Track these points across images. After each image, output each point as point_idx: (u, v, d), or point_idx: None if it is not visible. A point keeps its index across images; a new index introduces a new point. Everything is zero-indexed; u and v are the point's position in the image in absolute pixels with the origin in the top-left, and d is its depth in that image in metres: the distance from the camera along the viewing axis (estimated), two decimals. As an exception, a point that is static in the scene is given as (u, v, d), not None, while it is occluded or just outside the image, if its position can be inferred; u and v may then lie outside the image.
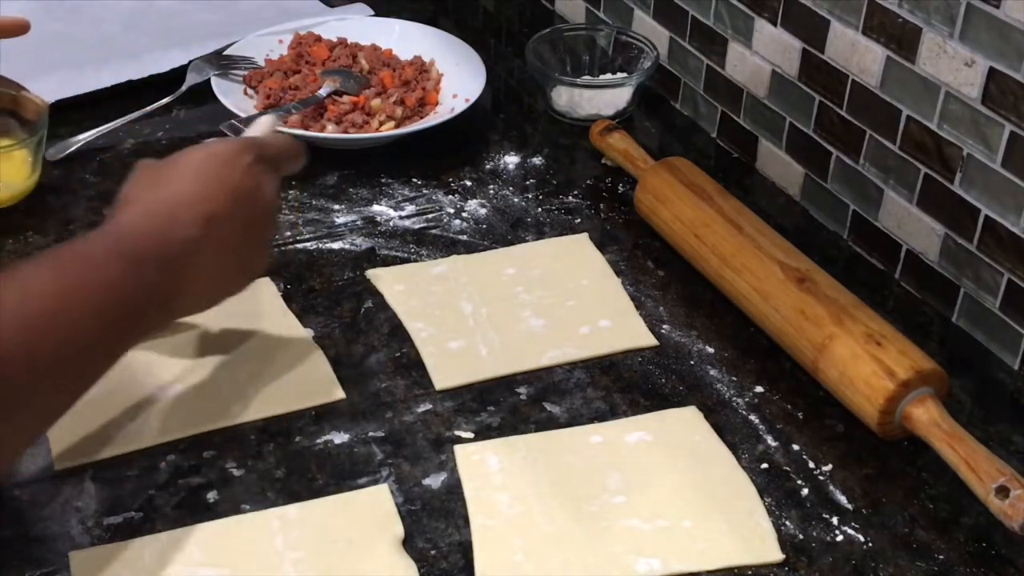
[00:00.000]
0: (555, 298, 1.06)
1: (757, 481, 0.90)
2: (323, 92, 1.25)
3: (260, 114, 1.14)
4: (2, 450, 0.76)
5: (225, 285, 0.90)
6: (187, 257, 0.83)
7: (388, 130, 1.22)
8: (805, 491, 0.90)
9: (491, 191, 1.19)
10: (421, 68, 1.30)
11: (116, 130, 1.23)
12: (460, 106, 1.25)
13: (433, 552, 0.84)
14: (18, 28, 1.11)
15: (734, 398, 0.97)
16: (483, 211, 1.17)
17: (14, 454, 0.79)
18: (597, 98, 1.28)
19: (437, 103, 1.28)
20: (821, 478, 0.91)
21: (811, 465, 0.92)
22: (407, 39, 1.35)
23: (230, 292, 0.91)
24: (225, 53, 1.32)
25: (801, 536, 0.86)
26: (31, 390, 0.74)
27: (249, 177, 0.88)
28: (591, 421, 0.95)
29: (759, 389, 0.98)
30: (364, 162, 1.22)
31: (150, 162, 0.89)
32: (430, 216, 1.16)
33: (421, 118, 1.25)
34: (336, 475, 0.89)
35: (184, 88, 1.28)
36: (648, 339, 1.02)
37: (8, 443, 0.76)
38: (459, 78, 1.29)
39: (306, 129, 1.22)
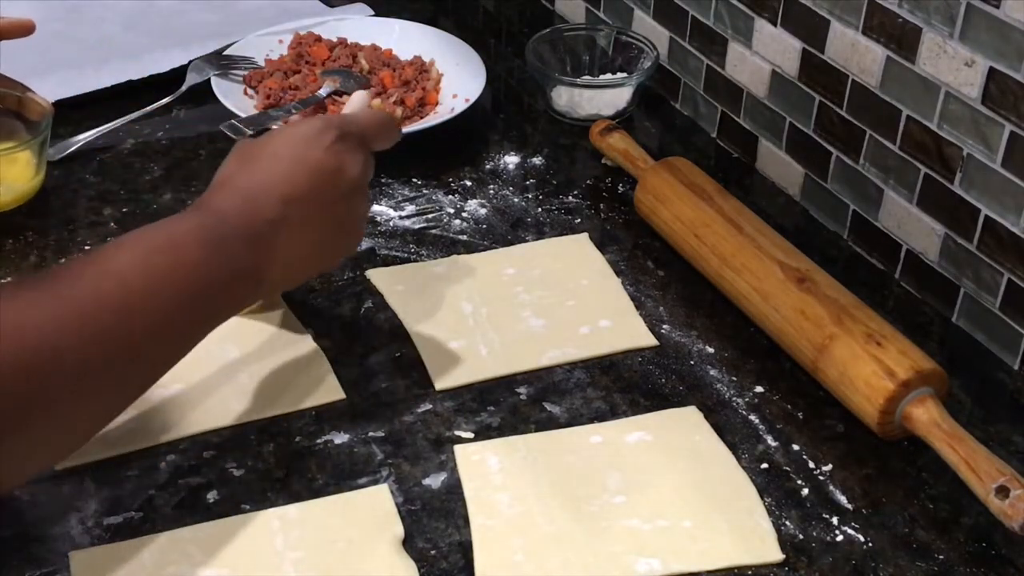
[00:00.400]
0: (555, 298, 1.06)
1: (757, 481, 0.90)
2: (323, 92, 1.25)
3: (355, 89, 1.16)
4: (86, 425, 0.78)
5: (315, 261, 0.91)
6: (271, 237, 0.85)
7: None
8: (805, 491, 0.90)
9: (491, 191, 1.19)
10: (421, 68, 1.30)
11: (116, 130, 1.23)
12: (460, 106, 1.25)
13: (433, 552, 0.84)
14: (23, 29, 1.12)
15: (734, 398, 0.97)
16: (483, 211, 1.17)
17: (97, 428, 0.80)
18: (597, 98, 1.28)
19: (437, 103, 1.28)
20: (821, 478, 0.91)
21: (811, 465, 0.92)
22: (407, 39, 1.35)
23: (322, 267, 0.95)
24: (225, 53, 1.32)
25: (801, 536, 0.86)
26: (115, 372, 0.76)
27: (331, 155, 0.88)
28: (591, 421, 0.95)
29: (759, 389, 0.98)
30: (364, 162, 1.21)
31: (244, 143, 0.90)
32: (430, 216, 1.16)
33: (421, 118, 1.25)
34: (336, 475, 0.89)
35: (184, 88, 1.28)
36: (648, 339, 1.02)
37: (92, 418, 0.78)
38: (459, 78, 1.29)
39: (306, 129, 1.22)
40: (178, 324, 0.80)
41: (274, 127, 1.19)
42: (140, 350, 0.78)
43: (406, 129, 1.23)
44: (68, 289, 0.75)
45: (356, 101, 1.01)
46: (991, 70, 0.95)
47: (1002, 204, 0.98)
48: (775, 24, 1.16)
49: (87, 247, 1.09)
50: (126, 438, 0.91)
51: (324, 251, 0.91)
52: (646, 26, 1.34)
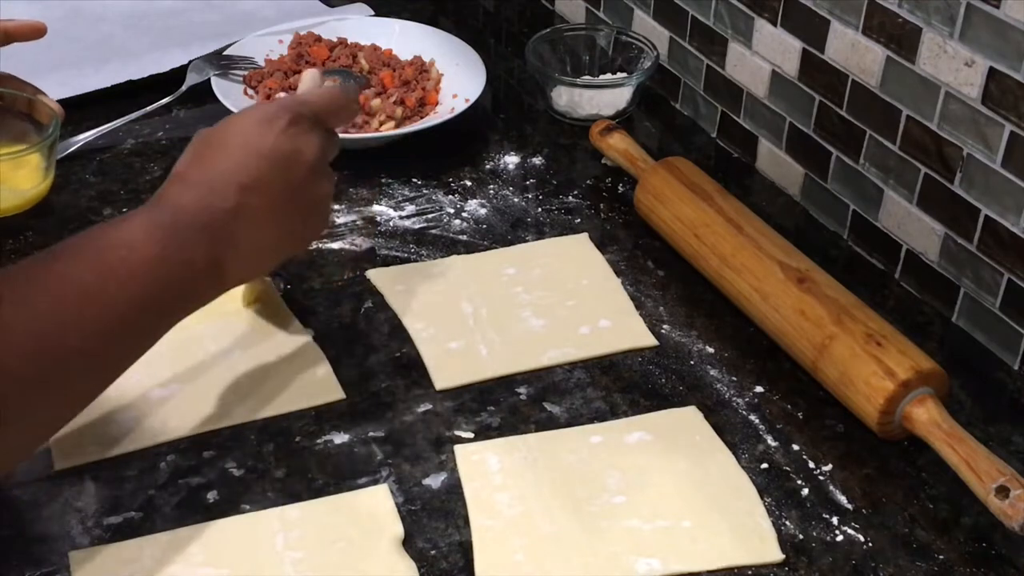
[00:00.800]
0: (555, 298, 1.06)
1: (757, 481, 0.90)
2: (323, 92, 1.25)
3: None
4: (38, 430, 0.78)
5: (278, 248, 0.90)
6: (229, 227, 0.84)
7: (388, 130, 1.22)
8: (805, 491, 0.90)
9: (491, 191, 1.19)
10: (421, 68, 1.30)
11: (116, 130, 1.23)
12: (460, 106, 1.25)
13: (433, 552, 0.84)
14: (35, 31, 1.12)
15: (734, 398, 0.97)
16: (483, 211, 1.17)
17: (51, 432, 0.81)
18: (597, 98, 1.28)
19: (437, 103, 1.28)
20: (821, 478, 0.91)
21: (811, 465, 0.92)
22: (407, 39, 1.35)
23: (288, 253, 0.92)
24: (225, 53, 1.32)
25: (801, 536, 0.86)
26: (70, 373, 0.76)
27: (285, 139, 0.87)
28: (591, 421, 0.95)
29: (759, 389, 0.98)
30: (364, 162, 1.21)
31: (201, 133, 0.89)
32: (430, 216, 1.16)
33: (421, 118, 1.25)
34: (336, 475, 0.89)
35: (184, 88, 1.28)
36: (648, 339, 1.02)
37: (45, 423, 0.78)
38: (459, 78, 1.29)
39: (306, 129, 1.22)
40: (135, 323, 0.79)
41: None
42: (96, 351, 0.77)
43: (406, 129, 1.23)
44: (22, 293, 0.74)
45: (307, 80, 0.98)
46: (991, 70, 0.95)
47: (1002, 204, 0.98)
48: (775, 24, 1.16)
49: (87, 247, 1.09)
50: (126, 438, 0.91)
51: (287, 237, 0.90)
52: (646, 26, 1.34)
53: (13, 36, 1.12)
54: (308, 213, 0.91)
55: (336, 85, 0.95)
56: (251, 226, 0.85)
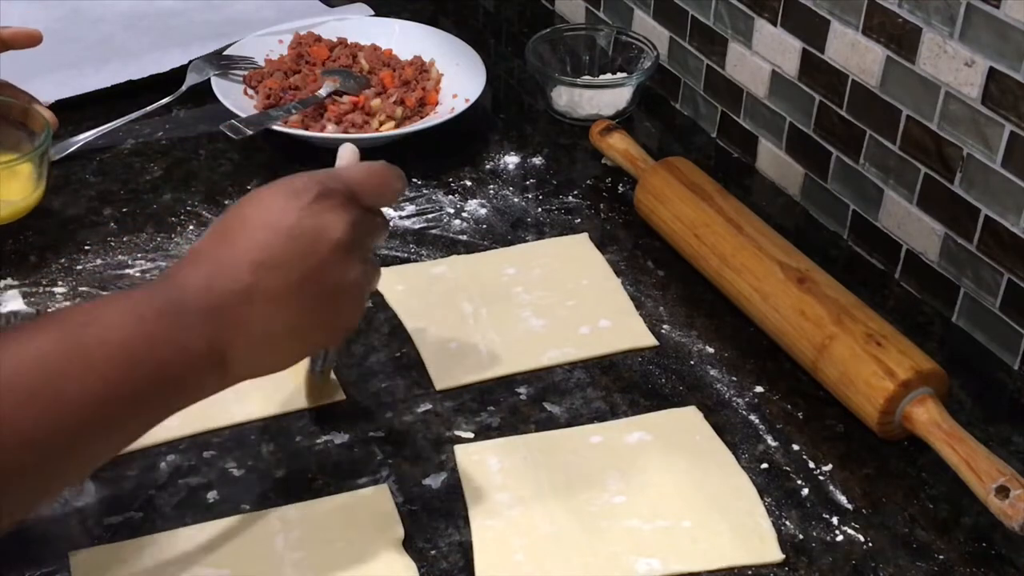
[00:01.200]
0: (555, 298, 1.06)
1: (757, 481, 0.90)
2: (323, 92, 1.25)
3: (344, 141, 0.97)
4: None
5: (299, 338, 0.80)
6: (236, 308, 0.75)
7: (388, 130, 1.22)
8: (805, 491, 0.90)
9: (491, 191, 1.19)
10: (421, 68, 1.30)
11: (116, 130, 1.23)
12: (460, 106, 1.25)
13: (433, 552, 0.84)
14: (31, 39, 1.12)
15: (734, 398, 0.97)
16: (483, 211, 1.17)
17: (10, 524, 0.71)
18: (597, 98, 1.28)
19: (437, 103, 1.28)
20: (821, 478, 0.91)
21: (811, 465, 0.92)
22: (407, 39, 1.35)
23: (311, 345, 0.83)
24: (225, 53, 1.32)
25: (801, 536, 0.86)
26: (29, 463, 0.68)
27: (309, 216, 0.77)
28: (591, 421, 0.95)
29: (759, 389, 0.98)
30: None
31: (227, 210, 0.81)
32: (430, 216, 1.16)
33: (421, 118, 1.25)
34: (336, 475, 0.89)
35: (184, 88, 1.28)
36: (648, 339, 1.02)
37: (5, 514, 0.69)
38: (459, 78, 1.29)
39: (306, 129, 1.22)
40: (107, 413, 0.71)
41: (275, 125, 1.19)
42: (55, 443, 0.68)
43: (406, 129, 1.23)
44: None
45: (344, 155, 0.88)
46: (991, 70, 0.95)
47: (1002, 204, 0.98)
48: (775, 24, 1.16)
49: (87, 247, 1.09)
50: (126, 438, 0.91)
51: (310, 326, 0.80)
52: (646, 26, 1.34)
53: (8, 44, 1.12)
54: (334, 299, 0.80)
55: (379, 163, 0.85)
56: (264, 310, 0.76)
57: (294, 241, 0.77)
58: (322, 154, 1.22)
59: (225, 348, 0.76)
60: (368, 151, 1.23)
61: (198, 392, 0.77)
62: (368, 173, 0.83)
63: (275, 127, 1.19)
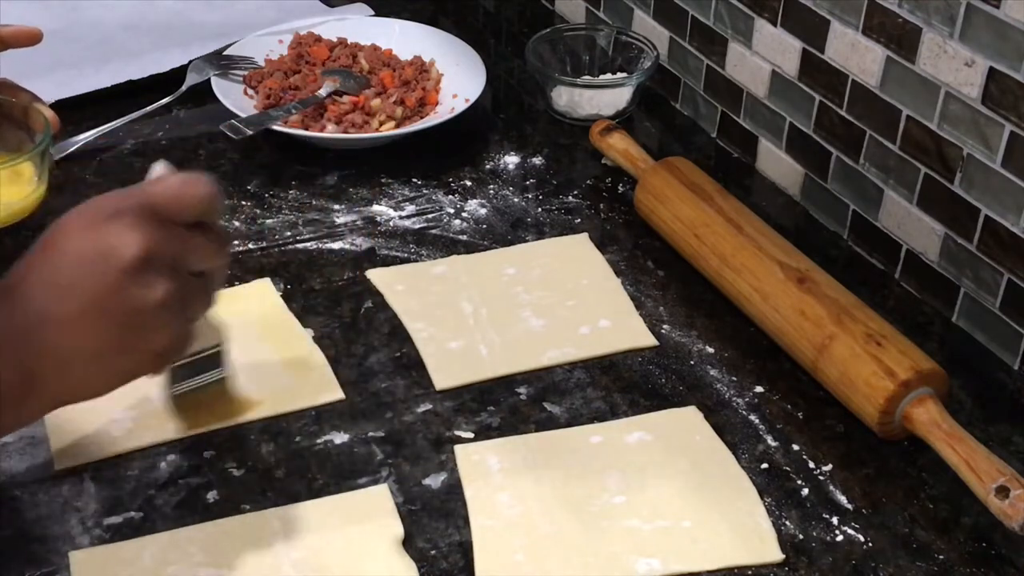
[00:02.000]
0: (555, 298, 1.06)
1: (757, 481, 0.90)
2: (323, 92, 1.25)
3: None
4: None
5: (110, 364, 0.78)
6: (39, 333, 0.75)
7: (388, 130, 1.22)
8: (805, 491, 0.90)
9: (491, 191, 1.19)
10: (421, 68, 1.30)
11: (116, 130, 1.23)
12: (460, 106, 1.25)
13: (433, 552, 0.84)
14: (30, 38, 1.12)
15: (734, 398, 0.97)
16: (483, 211, 1.17)
17: None
18: (597, 98, 1.28)
19: (437, 103, 1.28)
20: (821, 478, 0.91)
21: (811, 465, 0.92)
22: (407, 39, 1.35)
23: (128, 371, 0.79)
24: (225, 53, 1.32)
25: (801, 536, 0.86)
26: None
27: (98, 238, 0.75)
28: (591, 421, 0.95)
29: (759, 389, 0.98)
30: (364, 162, 1.22)
31: (37, 241, 0.78)
32: (430, 216, 1.16)
33: (421, 118, 1.25)
34: (336, 475, 0.89)
35: (184, 88, 1.28)
36: (648, 339, 1.02)
37: None
38: (459, 78, 1.29)
39: (306, 129, 1.22)
40: None
41: (275, 126, 1.19)
42: None
43: (406, 129, 1.23)
44: None
45: (155, 171, 0.82)
46: (991, 70, 0.95)
47: (1002, 204, 0.98)
48: (775, 24, 1.16)
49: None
50: (126, 438, 0.91)
51: (111, 351, 0.77)
52: (646, 26, 1.34)
53: (8, 43, 1.12)
54: (135, 321, 0.76)
55: (180, 174, 0.80)
56: (63, 335, 0.75)
57: (82, 264, 0.75)
58: (322, 154, 1.22)
59: (34, 374, 0.75)
60: (368, 151, 1.23)
61: (17, 419, 0.77)
62: (164, 185, 0.78)
63: (275, 127, 1.19)
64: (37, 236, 0.99)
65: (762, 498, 0.88)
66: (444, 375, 0.98)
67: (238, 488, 0.88)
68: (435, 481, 0.89)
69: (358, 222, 1.14)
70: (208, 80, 1.27)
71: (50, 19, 1.37)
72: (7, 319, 0.74)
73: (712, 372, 1.00)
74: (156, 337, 0.78)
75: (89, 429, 0.91)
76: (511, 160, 1.24)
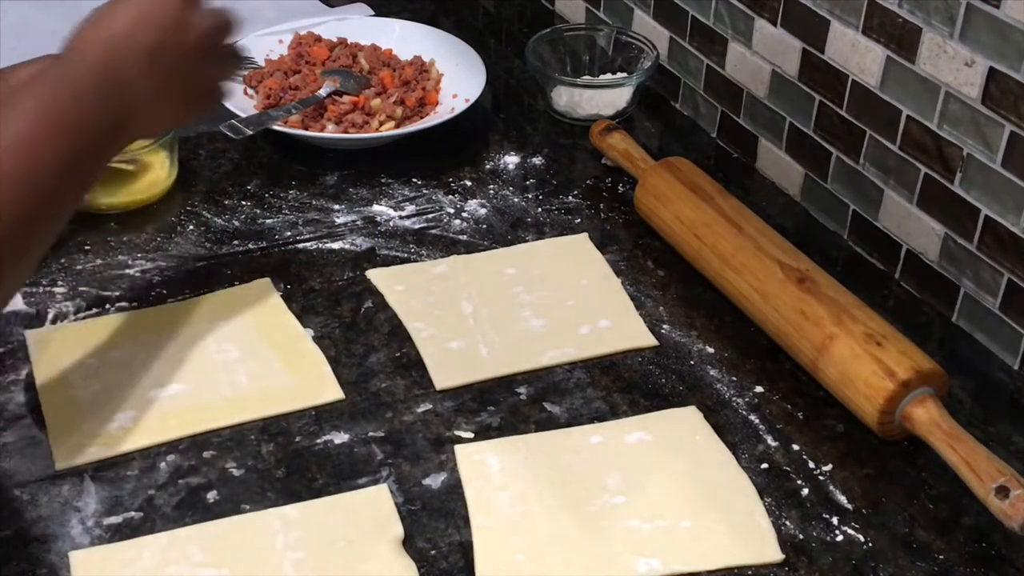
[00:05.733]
0: (555, 298, 1.06)
1: (757, 481, 0.90)
2: (323, 92, 1.25)
3: None
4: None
5: (174, 109, 0.95)
6: (134, 82, 0.88)
7: (388, 130, 1.22)
8: (805, 491, 0.90)
9: (491, 191, 1.19)
10: (421, 68, 1.30)
11: (116, 130, 1.23)
12: (460, 106, 1.25)
13: (433, 552, 0.84)
14: None
15: (734, 398, 0.97)
16: (483, 211, 1.17)
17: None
18: (597, 98, 1.28)
19: (437, 103, 1.28)
20: (821, 478, 0.91)
21: (811, 465, 0.92)
22: (407, 39, 1.35)
23: (179, 116, 0.97)
24: (225, 53, 1.32)
25: (801, 536, 0.86)
26: (26, 216, 0.81)
27: (177, 11, 0.92)
28: (591, 421, 0.95)
29: (759, 389, 0.98)
30: (364, 162, 1.22)
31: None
32: (430, 216, 1.16)
33: (421, 118, 1.25)
34: (336, 475, 0.90)
35: (184, 88, 1.27)
36: (648, 339, 1.02)
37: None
38: (459, 78, 1.29)
39: (306, 129, 1.22)
40: (72, 172, 0.85)
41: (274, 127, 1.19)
42: (44, 194, 0.82)
43: (406, 129, 1.23)
44: None
45: None
46: (991, 70, 0.95)
47: (1002, 204, 0.98)
48: (775, 24, 1.16)
49: (87, 247, 1.09)
50: (126, 438, 0.91)
51: (183, 100, 0.95)
52: (646, 26, 1.34)
53: None
54: (196, 83, 0.95)
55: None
56: (143, 76, 0.89)
57: (141, 18, 0.91)
58: (322, 154, 1.22)
59: (122, 115, 0.88)
60: (368, 151, 1.23)
61: (109, 157, 0.90)
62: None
63: (275, 127, 1.19)
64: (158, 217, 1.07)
65: (762, 498, 0.88)
66: (444, 375, 0.98)
67: (238, 488, 0.88)
68: (435, 481, 0.89)
69: (358, 222, 1.14)
70: (208, 80, 1.26)
71: (50, 18, 1.37)
72: (95, 72, 0.87)
73: (712, 372, 1.00)
74: (198, 80, 0.95)
75: (89, 429, 0.91)
76: (511, 160, 1.24)
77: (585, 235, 1.14)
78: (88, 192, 0.90)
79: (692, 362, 1.01)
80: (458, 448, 0.92)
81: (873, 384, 0.91)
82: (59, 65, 0.88)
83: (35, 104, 0.83)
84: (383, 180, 1.20)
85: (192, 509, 0.86)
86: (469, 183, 1.20)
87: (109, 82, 0.87)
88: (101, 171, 0.90)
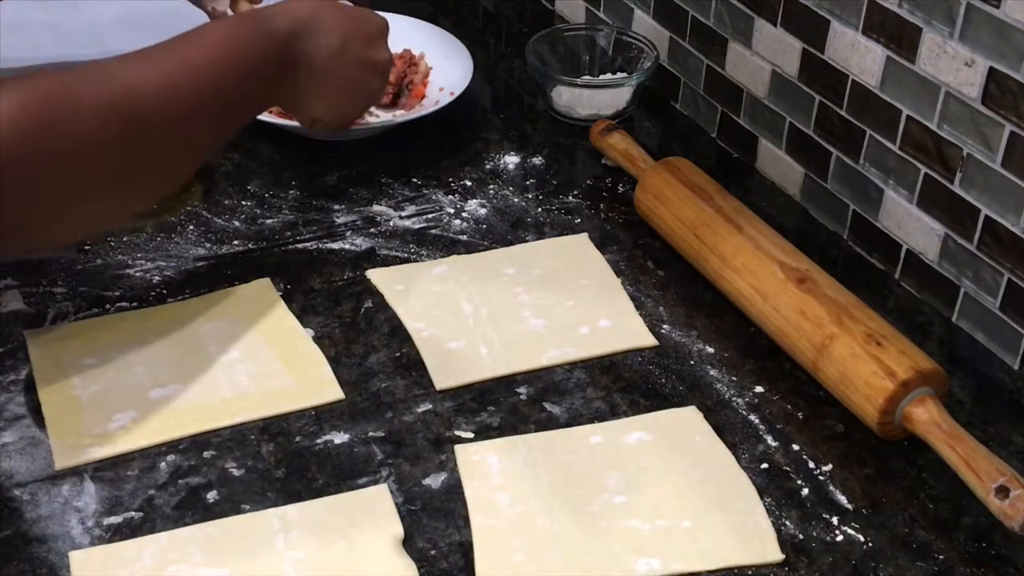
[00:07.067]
0: (555, 298, 1.06)
1: (757, 481, 0.90)
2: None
3: None
4: (137, 198, 0.93)
5: (349, 89, 1.08)
6: (303, 43, 1.02)
7: (377, 121, 1.22)
8: (805, 491, 0.90)
9: (491, 191, 1.19)
10: (410, 61, 1.30)
11: (116, 130, 1.23)
12: (446, 99, 1.25)
13: (433, 552, 0.84)
14: None
15: (734, 398, 0.97)
16: (483, 211, 1.17)
17: (144, 203, 1.00)
18: (597, 98, 1.28)
19: (424, 96, 1.28)
20: (821, 478, 0.91)
21: (811, 465, 0.92)
22: (396, 32, 1.34)
23: (355, 101, 1.11)
24: (225, 53, 1.32)
25: (801, 536, 0.86)
26: (172, 130, 0.91)
27: (356, 10, 1.08)
28: (591, 421, 0.95)
29: (759, 389, 0.98)
30: (364, 162, 1.22)
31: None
32: (430, 216, 1.16)
33: (408, 110, 1.26)
34: (336, 475, 0.90)
35: (184, 88, 1.27)
36: (648, 339, 1.02)
37: (148, 185, 0.92)
38: (446, 72, 1.29)
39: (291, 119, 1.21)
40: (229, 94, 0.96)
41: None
42: (210, 113, 0.94)
43: (398, 119, 1.23)
44: (163, 60, 0.96)
45: None
46: (991, 70, 0.95)
47: (1002, 204, 0.98)
48: (775, 24, 1.16)
49: (87, 247, 1.09)
50: (126, 438, 0.91)
51: (347, 86, 1.07)
52: (646, 26, 1.34)
53: None
54: (372, 66, 1.08)
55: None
56: (322, 63, 1.03)
57: (347, 23, 1.06)
58: (321, 154, 1.22)
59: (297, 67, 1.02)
60: (368, 151, 1.23)
61: (264, 103, 1.06)
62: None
63: (272, 120, 1.19)
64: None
65: (762, 498, 0.88)
66: (444, 375, 0.98)
67: (238, 488, 0.88)
68: (435, 481, 0.89)
69: (358, 222, 1.14)
70: (208, 80, 1.26)
71: (49, 17, 1.37)
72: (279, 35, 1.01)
73: (712, 372, 1.00)
74: (380, 83, 1.11)
75: (89, 429, 0.91)
76: (511, 160, 1.24)
77: (585, 235, 1.14)
78: (230, 136, 1.00)
79: (692, 362, 1.01)
80: (458, 448, 0.92)
81: (873, 384, 0.91)
82: (254, 18, 1.03)
83: (224, 29, 1.02)
84: (383, 180, 1.20)
85: (192, 509, 0.86)
86: (469, 183, 1.20)
87: (288, 50, 1.00)
88: (249, 117, 1.01)
